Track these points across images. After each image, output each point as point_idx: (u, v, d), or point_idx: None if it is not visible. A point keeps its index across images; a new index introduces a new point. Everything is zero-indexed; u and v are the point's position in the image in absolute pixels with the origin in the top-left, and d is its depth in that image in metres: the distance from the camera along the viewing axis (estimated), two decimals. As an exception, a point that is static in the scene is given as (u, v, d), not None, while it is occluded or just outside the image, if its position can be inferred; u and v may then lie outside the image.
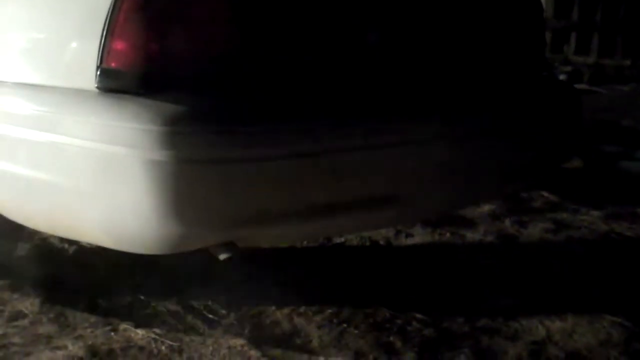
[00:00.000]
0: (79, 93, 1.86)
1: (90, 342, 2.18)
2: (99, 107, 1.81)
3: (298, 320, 2.36)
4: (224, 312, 2.40)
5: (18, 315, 2.32)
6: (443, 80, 2.24)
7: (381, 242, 3.09)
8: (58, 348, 2.14)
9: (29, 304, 2.39)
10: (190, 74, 1.83)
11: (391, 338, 2.28)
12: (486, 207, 3.50)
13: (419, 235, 3.16)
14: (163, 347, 2.17)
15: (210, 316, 2.37)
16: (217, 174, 1.76)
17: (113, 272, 2.63)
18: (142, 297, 2.47)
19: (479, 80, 2.37)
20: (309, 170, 1.87)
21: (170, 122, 1.71)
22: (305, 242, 3.04)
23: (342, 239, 3.09)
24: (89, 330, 2.26)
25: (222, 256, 1.87)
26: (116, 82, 1.81)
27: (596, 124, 5.47)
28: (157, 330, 2.26)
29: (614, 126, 5.56)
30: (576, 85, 7.24)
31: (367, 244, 3.07)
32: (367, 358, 2.16)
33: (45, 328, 2.26)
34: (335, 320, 2.37)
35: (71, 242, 2.89)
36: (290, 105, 1.88)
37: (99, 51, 1.81)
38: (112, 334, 2.24)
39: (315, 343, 2.24)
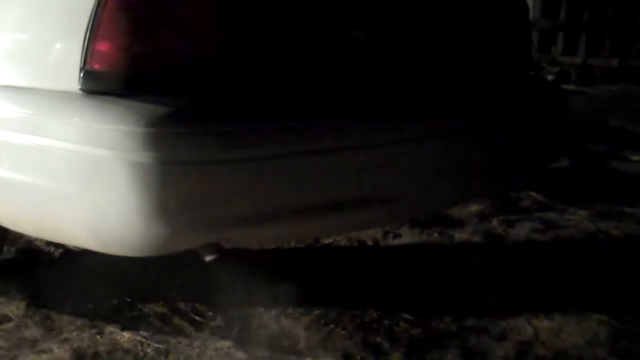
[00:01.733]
0: (62, 95, 1.85)
1: (75, 345, 2.16)
2: (82, 109, 1.80)
3: (285, 322, 2.36)
4: (210, 314, 2.39)
5: (3, 319, 2.31)
6: (429, 79, 2.23)
7: (369, 243, 3.08)
8: (43, 351, 2.13)
9: (14, 308, 2.38)
10: (174, 76, 1.82)
11: (378, 339, 2.27)
12: (474, 207, 3.50)
13: (407, 236, 3.16)
14: (149, 350, 2.16)
15: (197, 318, 2.37)
16: (201, 176, 1.75)
17: (99, 274, 2.61)
18: (128, 300, 2.46)
19: (466, 79, 2.37)
20: (295, 171, 1.86)
21: (153, 123, 1.70)
22: (292, 243, 3.03)
23: (330, 240, 3.08)
24: (74, 333, 2.25)
25: (208, 258, 1.87)
26: (100, 83, 1.80)
27: (584, 124, 5.48)
28: (143, 333, 2.25)
29: (601, 126, 5.58)
30: (564, 86, 7.29)
31: (355, 244, 3.06)
32: (355, 359, 2.15)
33: (31, 331, 2.25)
34: (322, 322, 2.36)
35: (57, 246, 2.88)
36: (276, 105, 1.88)
37: (82, 53, 1.80)
38: (98, 336, 2.23)
39: (302, 344, 2.23)
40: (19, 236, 2.88)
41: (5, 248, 2.79)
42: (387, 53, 2.16)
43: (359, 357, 2.16)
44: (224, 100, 1.82)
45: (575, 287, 2.66)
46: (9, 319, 2.31)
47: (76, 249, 2.85)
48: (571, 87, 8.49)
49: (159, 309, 2.41)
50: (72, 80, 1.82)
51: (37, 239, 2.87)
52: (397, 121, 2.06)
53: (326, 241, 3.07)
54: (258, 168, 1.80)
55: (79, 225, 1.88)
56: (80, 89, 1.81)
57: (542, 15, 9.46)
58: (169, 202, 1.74)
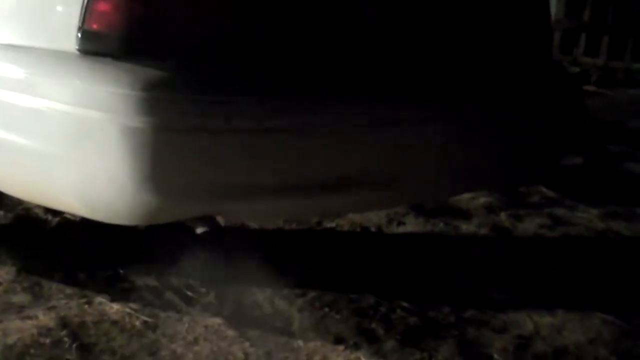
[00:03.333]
0: (58, 55, 1.80)
1: (62, 314, 2.11)
2: (78, 70, 1.75)
3: (279, 303, 2.30)
4: (204, 290, 2.34)
5: (-8, 284, 2.26)
6: (441, 63, 2.16)
7: (372, 229, 3.02)
8: (29, 318, 2.08)
9: (4, 273, 2.33)
10: (174, 39, 1.76)
11: (374, 325, 2.21)
12: (482, 200, 3.43)
13: (411, 224, 3.09)
14: (137, 322, 2.11)
15: (190, 294, 2.31)
16: (196, 144, 1.69)
17: (94, 245, 2.57)
18: (121, 272, 2.40)
19: (480, 65, 2.29)
20: (296, 145, 1.80)
21: (149, 87, 1.65)
22: (294, 225, 2.96)
23: (333, 224, 3.02)
24: (63, 301, 2.20)
25: (200, 230, 1.81)
26: (98, 44, 1.75)
27: (600, 125, 5.38)
28: (133, 305, 2.20)
29: (618, 127, 5.47)
30: (584, 87, 7.19)
31: (358, 230, 2.99)
32: (347, 343, 2.09)
33: (19, 297, 2.20)
34: (317, 304, 2.30)
35: (55, 214, 2.83)
36: (280, 77, 1.81)
37: (81, 12, 1.75)
38: (86, 306, 2.18)
39: (295, 326, 2.17)
40: (17, 203, 2.84)
41: (1, 214, 2.75)
42: (397, 32, 2.09)
43: (351, 342, 2.10)
44: (224, 68, 1.75)
45: (580, 285, 2.59)
46: (-2, 284, 2.26)
47: (74, 218, 2.80)
48: (591, 88, 8.35)
49: (152, 282, 2.36)
50: (69, 40, 1.77)
51: (35, 206, 2.82)
52: (405, 102, 1.99)
53: (328, 225, 3.01)
54: (255, 140, 1.74)
55: (68, 189, 1.82)
56: (78, 49, 1.76)
57: (565, 15, 9.32)
58: (160, 169, 1.68)
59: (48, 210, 2.84)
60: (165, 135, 1.66)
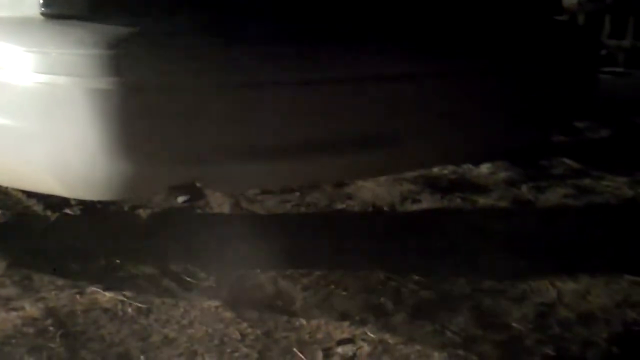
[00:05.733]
0: (23, 21, 1.69)
1: (51, 305, 2.00)
2: (42, 35, 1.65)
3: (283, 283, 2.16)
4: (203, 275, 2.21)
5: (-20, 279, 2.15)
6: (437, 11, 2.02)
7: (385, 208, 2.86)
8: (14, 309, 1.97)
9: (-6, 268, 2.22)
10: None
11: (382, 299, 2.07)
12: (502, 174, 3.26)
13: (427, 201, 2.94)
14: (130, 309, 1.99)
15: (188, 279, 2.18)
16: (169, 103, 1.57)
17: (92, 238, 2.45)
18: (117, 261, 2.28)
19: (482, 16, 2.14)
20: (275, 103, 1.66)
21: (115, 44, 1.54)
22: (303, 209, 2.83)
23: (344, 205, 2.88)
24: (53, 292, 2.09)
25: (181, 199, 1.68)
26: (62, 7, 1.66)
27: (627, 99, 5.18)
28: (127, 293, 2.08)
29: (646, 101, 5.27)
30: (611, 69, 7.01)
31: (370, 209, 2.85)
32: (353, 319, 1.95)
33: (7, 290, 2.09)
34: (323, 282, 2.16)
35: (54, 209, 2.72)
36: (256, 28, 1.68)
37: (42, -26, 1.63)
38: (78, 296, 2.07)
39: (297, 305, 2.04)
40: (17, 201, 2.75)
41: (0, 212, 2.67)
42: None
43: (358, 317, 1.96)
44: (196, 22, 1.63)
45: (607, 251, 2.42)
46: (-13, 279, 2.15)
47: (74, 213, 2.70)
48: (618, 70, 8.14)
49: (149, 270, 2.24)
50: (32, 5, 1.65)
51: (34, 204, 2.72)
52: (399, 53, 1.85)
53: (340, 206, 2.86)
54: (234, 96, 1.61)
55: (42, 167, 1.71)
56: (42, 14, 1.65)
57: (588, -3, 9.08)
58: (133, 133, 1.57)
59: (47, 206, 2.73)
60: (134, 96, 1.54)
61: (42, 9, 1.64)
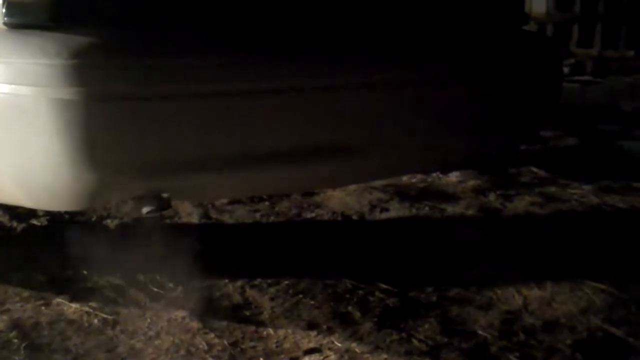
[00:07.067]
0: (-15, 32, 1.67)
1: (15, 317, 1.98)
2: (5, 45, 1.63)
3: (250, 293, 2.16)
4: (171, 285, 2.20)
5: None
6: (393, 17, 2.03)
7: (354, 217, 2.87)
8: (-23, 323, 1.94)
9: (-45, 282, 2.19)
10: (103, 6, 1.63)
11: (350, 308, 2.07)
12: (470, 183, 3.29)
13: (395, 210, 2.95)
14: (95, 320, 1.97)
15: (155, 289, 2.17)
16: (133, 113, 1.57)
17: (59, 248, 2.43)
18: (84, 272, 2.26)
19: (445, 26, 2.16)
20: (239, 111, 1.66)
21: (78, 54, 1.53)
22: (272, 218, 2.83)
23: (313, 214, 2.88)
24: (18, 304, 2.07)
25: (146, 209, 1.67)
26: (25, 17, 1.65)
27: (594, 107, 5.24)
28: (93, 304, 2.07)
29: (612, 108, 5.34)
30: (579, 77, 7.09)
31: (339, 218, 2.85)
32: (320, 328, 1.95)
33: (-30, 304, 2.06)
34: (290, 291, 2.16)
35: (20, 220, 2.70)
36: (219, 38, 1.68)
37: (3, -16, 1.63)
38: (43, 308, 2.05)
39: (265, 314, 2.03)
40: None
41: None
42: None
43: (325, 326, 1.96)
44: (159, 31, 1.63)
45: (572, 258, 2.44)
46: (-51, 292, 2.12)
47: (40, 224, 2.68)
48: (586, 78, 8.25)
49: (116, 280, 2.22)
50: (-5, 15, 1.64)
51: (0, 215, 2.69)
52: (348, 63, 1.85)
53: (308, 215, 2.87)
54: (198, 106, 1.61)
55: (7, 177, 1.69)
56: (5, 24, 1.64)
57: (556, 7, 9.20)
58: (96, 143, 1.56)
59: (13, 217, 2.71)
60: (97, 105, 1.54)
61: (5, 18, 1.63)
